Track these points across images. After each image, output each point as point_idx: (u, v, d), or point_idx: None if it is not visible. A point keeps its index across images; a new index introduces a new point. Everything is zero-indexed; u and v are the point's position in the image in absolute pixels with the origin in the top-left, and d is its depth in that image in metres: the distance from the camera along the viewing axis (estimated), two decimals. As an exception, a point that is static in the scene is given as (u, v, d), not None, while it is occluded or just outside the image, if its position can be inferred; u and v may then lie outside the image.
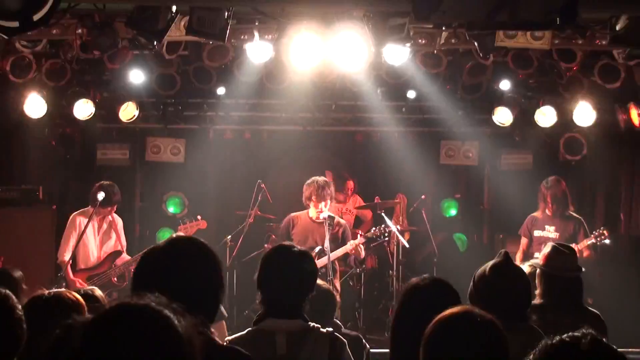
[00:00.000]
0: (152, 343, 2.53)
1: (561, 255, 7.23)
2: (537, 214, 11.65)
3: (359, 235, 11.74)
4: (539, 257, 11.04)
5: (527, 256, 11.62)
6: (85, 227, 11.42)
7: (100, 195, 11.46)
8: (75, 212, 11.87)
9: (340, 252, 11.21)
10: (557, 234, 11.30)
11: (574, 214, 11.42)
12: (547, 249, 7.55)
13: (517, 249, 13.81)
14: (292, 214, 11.51)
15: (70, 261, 11.48)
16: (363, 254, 11.53)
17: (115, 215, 11.90)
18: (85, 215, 11.75)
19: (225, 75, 13.49)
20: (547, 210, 11.45)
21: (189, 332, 2.63)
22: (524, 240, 11.71)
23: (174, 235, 4.30)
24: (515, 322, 5.22)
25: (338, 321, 7.47)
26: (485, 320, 3.65)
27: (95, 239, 11.59)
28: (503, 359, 3.60)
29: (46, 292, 4.98)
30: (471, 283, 5.57)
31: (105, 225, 11.74)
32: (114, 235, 11.85)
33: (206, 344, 3.98)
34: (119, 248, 11.79)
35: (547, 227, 11.44)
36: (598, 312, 7.62)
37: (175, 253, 4.14)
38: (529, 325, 5.41)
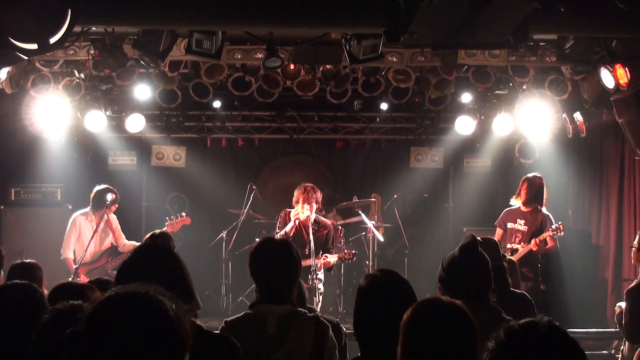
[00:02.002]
0: (147, 324, 2.60)
1: (483, 247, 7.27)
2: (511, 207, 11.64)
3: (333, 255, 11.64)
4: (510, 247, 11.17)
5: (501, 247, 11.64)
6: (97, 226, 11.39)
7: (109, 197, 11.45)
8: (76, 214, 11.82)
9: (321, 260, 11.18)
10: (526, 227, 11.26)
11: (544, 210, 11.41)
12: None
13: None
14: (288, 210, 11.45)
15: (73, 257, 11.47)
16: (332, 263, 11.44)
17: (112, 217, 11.85)
18: (85, 216, 11.71)
19: (221, 90, 13.52)
20: (522, 203, 11.43)
21: (181, 316, 2.69)
22: (499, 231, 11.65)
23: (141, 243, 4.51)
24: (479, 302, 5.22)
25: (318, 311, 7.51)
26: (455, 305, 3.66)
27: (93, 237, 11.51)
28: (472, 337, 3.61)
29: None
30: (440, 267, 5.51)
31: (102, 224, 11.66)
32: (110, 233, 11.79)
33: (197, 329, 4.02)
34: (115, 244, 11.74)
35: (518, 220, 11.40)
36: (525, 293, 7.65)
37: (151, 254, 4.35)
38: (490, 305, 5.40)
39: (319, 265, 11.03)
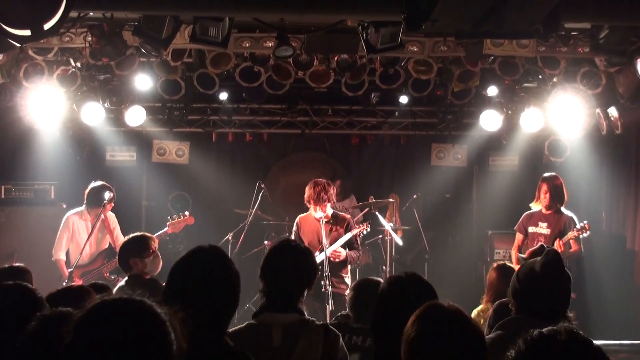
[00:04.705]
0: (139, 331, 2.68)
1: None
2: (532, 210, 11.62)
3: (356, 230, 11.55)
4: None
5: (522, 252, 11.62)
6: (93, 226, 11.38)
7: (107, 195, 11.43)
8: (69, 213, 11.81)
9: (338, 244, 11.09)
10: (549, 230, 11.27)
11: (567, 211, 11.39)
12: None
13: (504, 244, 13.87)
14: (300, 216, 11.39)
15: (65, 259, 11.47)
16: (343, 256, 11.32)
17: (109, 215, 11.81)
18: (79, 215, 11.71)
19: (228, 81, 13.51)
20: (542, 205, 11.43)
21: (172, 320, 2.74)
22: (519, 236, 11.66)
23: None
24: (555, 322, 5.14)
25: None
26: (454, 311, 3.66)
27: (89, 237, 11.47)
28: (479, 341, 3.59)
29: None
30: (514, 280, 5.38)
31: (98, 224, 11.62)
32: (107, 233, 11.76)
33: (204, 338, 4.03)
34: (113, 245, 11.68)
35: (540, 223, 11.41)
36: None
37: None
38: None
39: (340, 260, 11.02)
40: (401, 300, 4.29)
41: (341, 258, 11.01)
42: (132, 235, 8.68)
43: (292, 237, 11.33)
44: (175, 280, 4.27)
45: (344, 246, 11.05)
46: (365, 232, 11.65)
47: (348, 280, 11.31)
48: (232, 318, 4.37)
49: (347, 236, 11.13)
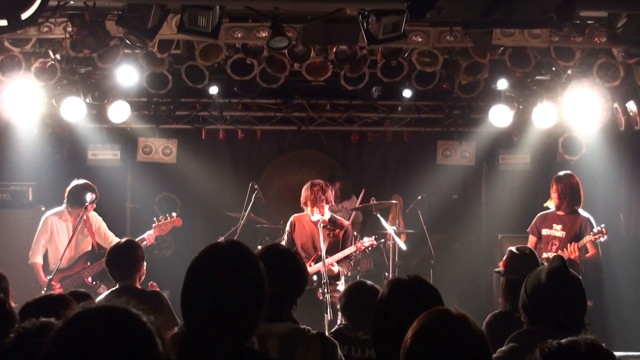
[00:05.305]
0: (124, 340, 2.65)
1: (520, 258, 7.23)
2: (546, 211, 11.60)
3: (358, 243, 11.50)
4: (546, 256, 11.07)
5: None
6: (75, 228, 11.35)
7: (89, 197, 11.40)
8: (48, 213, 11.78)
9: (336, 257, 11.09)
10: (564, 233, 11.24)
11: (584, 213, 11.37)
12: (506, 255, 7.64)
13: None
14: (295, 215, 11.39)
15: (42, 263, 11.44)
16: (335, 273, 11.25)
17: (90, 214, 11.78)
18: (59, 216, 11.68)
19: (218, 74, 13.49)
20: (555, 206, 11.41)
21: (160, 329, 2.72)
22: (532, 239, 11.63)
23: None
24: (574, 333, 5.11)
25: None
26: (460, 318, 3.51)
27: (71, 240, 11.42)
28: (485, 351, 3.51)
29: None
30: (522, 293, 5.38)
31: (79, 226, 11.55)
32: (88, 235, 11.70)
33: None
34: (103, 246, 11.60)
35: (554, 225, 11.38)
36: None
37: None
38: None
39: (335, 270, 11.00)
40: (403, 307, 4.22)
41: (334, 274, 11.03)
42: (124, 239, 8.62)
43: (285, 237, 11.34)
44: (193, 281, 4.14)
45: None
46: (369, 249, 11.67)
47: (341, 287, 11.31)
48: (259, 319, 4.26)
49: (347, 251, 11.15)
